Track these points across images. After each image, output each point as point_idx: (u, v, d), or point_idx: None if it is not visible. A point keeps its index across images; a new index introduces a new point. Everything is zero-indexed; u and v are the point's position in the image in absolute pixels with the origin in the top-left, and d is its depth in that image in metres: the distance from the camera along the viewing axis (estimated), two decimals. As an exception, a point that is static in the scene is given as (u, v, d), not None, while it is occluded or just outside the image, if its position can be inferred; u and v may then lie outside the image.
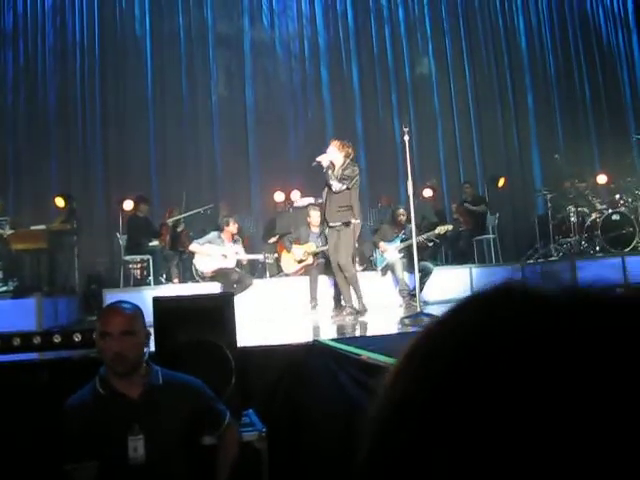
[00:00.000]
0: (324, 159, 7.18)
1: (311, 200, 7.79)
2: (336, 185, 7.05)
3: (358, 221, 7.33)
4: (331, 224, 7.22)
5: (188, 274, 9.37)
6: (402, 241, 8.70)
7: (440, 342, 0.43)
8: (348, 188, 7.06)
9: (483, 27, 14.00)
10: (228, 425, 2.92)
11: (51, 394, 3.66)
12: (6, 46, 12.46)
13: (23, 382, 3.83)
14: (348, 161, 7.18)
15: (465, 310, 0.44)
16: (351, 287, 7.31)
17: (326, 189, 7.24)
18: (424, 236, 8.37)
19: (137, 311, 2.86)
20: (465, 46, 13.88)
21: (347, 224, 7.10)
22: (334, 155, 7.20)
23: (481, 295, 0.45)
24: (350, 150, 7.26)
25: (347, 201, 7.09)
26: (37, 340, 4.04)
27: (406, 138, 6.21)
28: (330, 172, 7.09)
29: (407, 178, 6.46)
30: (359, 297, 7.36)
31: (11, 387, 3.75)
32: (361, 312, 7.28)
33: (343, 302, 7.43)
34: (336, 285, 8.43)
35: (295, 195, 10.79)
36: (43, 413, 3.53)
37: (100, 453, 2.64)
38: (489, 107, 13.71)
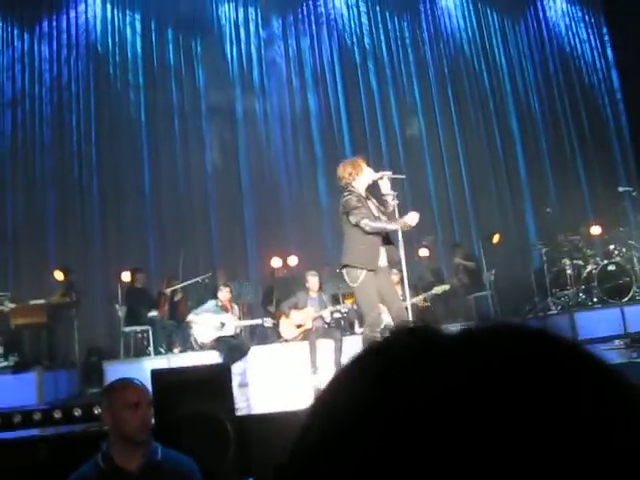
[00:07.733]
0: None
1: (388, 173, 6.13)
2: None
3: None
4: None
5: (188, 343, 9.35)
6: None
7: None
8: None
9: (470, 89, 14.33)
10: None
11: (51, 471, 3.66)
12: (5, 117, 12.72)
13: (24, 460, 3.83)
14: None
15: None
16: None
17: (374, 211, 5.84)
18: (421, 296, 8.38)
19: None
20: (454, 107, 14.18)
21: None
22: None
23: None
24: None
25: None
26: (37, 416, 4.06)
27: (395, 202, 5.95)
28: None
29: (398, 241, 5.85)
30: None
31: (12, 466, 3.75)
32: None
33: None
34: (337, 350, 8.34)
35: (293, 260, 10.84)
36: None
37: None
38: (480, 165, 13.91)
